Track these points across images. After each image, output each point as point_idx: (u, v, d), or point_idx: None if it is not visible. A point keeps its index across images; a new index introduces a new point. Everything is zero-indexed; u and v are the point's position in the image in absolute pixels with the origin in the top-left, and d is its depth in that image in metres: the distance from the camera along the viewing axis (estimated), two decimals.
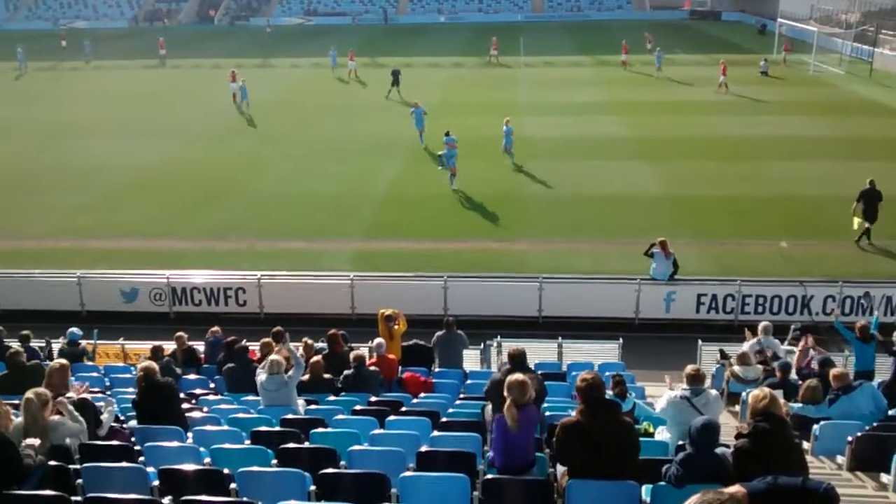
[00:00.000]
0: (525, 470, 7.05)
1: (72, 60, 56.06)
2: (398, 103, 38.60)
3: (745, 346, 12.89)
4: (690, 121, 34.05)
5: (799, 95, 39.31)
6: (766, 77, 44.49)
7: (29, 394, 7.33)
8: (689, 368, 8.54)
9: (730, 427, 10.50)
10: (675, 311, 16.96)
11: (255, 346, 12.18)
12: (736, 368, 12.37)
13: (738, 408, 11.69)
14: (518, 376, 7.08)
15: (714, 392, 8.64)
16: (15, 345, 12.39)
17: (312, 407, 10.11)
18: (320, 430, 8.64)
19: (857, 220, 19.89)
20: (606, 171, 27.14)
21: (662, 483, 6.52)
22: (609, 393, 8.95)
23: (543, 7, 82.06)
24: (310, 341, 12.29)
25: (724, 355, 13.39)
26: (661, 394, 12.91)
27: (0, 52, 57.55)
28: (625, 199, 24.12)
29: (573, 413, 6.77)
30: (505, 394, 6.98)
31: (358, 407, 9.97)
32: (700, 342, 14.38)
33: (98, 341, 14.46)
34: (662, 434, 8.83)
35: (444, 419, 9.42)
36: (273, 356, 9.96)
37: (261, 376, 9.88)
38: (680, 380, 8.73)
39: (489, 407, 9.46)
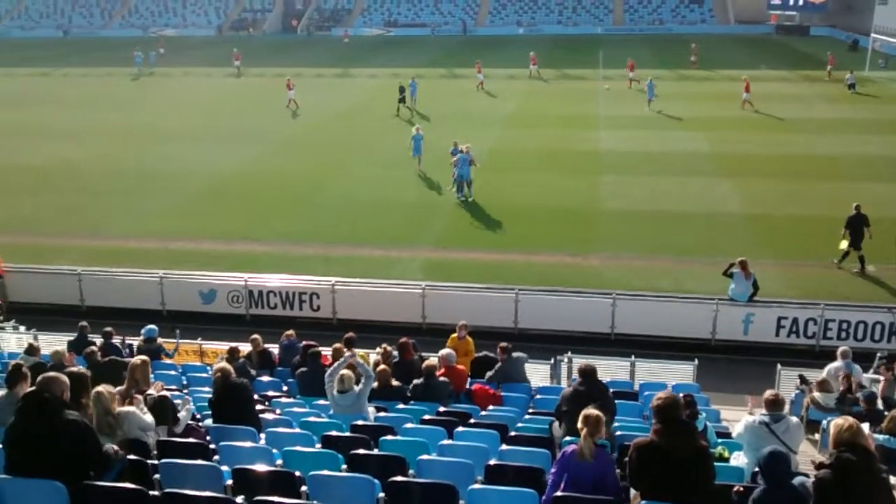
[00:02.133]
0: None
1: (163, 67, 58.06)
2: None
3: (826, 371, 12.43)
4: (775, 138, 33.11)
5: (892, 114, 37.81)
6: (854, 93, 43.04)
7: (99, 388, 7.58)
8: (769, 393, 8.25)
9: (808, 456, 10.14)
10: (754, 334, 16.47)
11: (327, 352, 12.34)
12: (816, 395, 11.94)
13: (817, 436, 11.28)
14: (596, 411, 6.93)
15: (794, 419, 8.33)
16: (98, 341, 12.86)
17: (382, 414, 10.16)
18: (389, 437, 8.68)
19: (844, 243, 19.61)
20: (686, 187, 26.61)
21: None
22: None
23: (624, 20, 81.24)
24: (389, 348, 12.38)
25: (804, 381, 12.92)
26: (736, 417, 12.60)
27: (98, 57, 60.14)
28: (704, 217, 23.59)
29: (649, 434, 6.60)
30: (580, 425, 6.87)
31: (427, 416, 9.98)
32: (779, 366, 13.90)
33: (180, 340, 14.88)
34: (738, 459, 8.57)
35: (512, 433, 9.35)
36: (344, 371, 10.00)
37: (332, 390, 9.94)
38: (760, 403, 8.43)
39: (557, 424, 9.37)
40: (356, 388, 9.85)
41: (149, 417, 7.94)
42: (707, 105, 40.37)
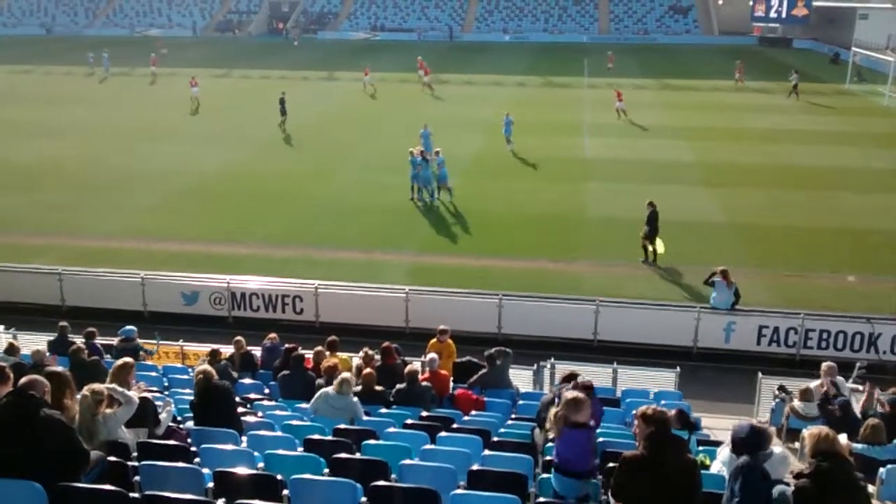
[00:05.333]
0: (580, 475, 7.16)
1: (146, 67, 57.59)
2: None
3: (814, 384, 12.47)
4: (758, 148, 33.37)
5: (874, 126, 38.21)
6: (794, 94, 44.34)
7: (85, 390, 7.51)
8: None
9: (789, 464, 10.19)
10: (735, 342, 16.58)
11: (310, 355, 12.30)
12: (797, 404, 12.02)
13: (797, 444, 11.35)
14: (576, 393, 7.06)
15: (779, 451, 8.27)
16: (79, 341, 12.73)
17: (364, 418, 10.13)
18: (372, 441, 8.67)
19: (660, 243, 20.59)
20: (669, 195, 26.62)
21: None
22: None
23: (610, 29, 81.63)
24: (370, 351, 12.36)
25: (783, 390, 13.01)
26: (717, 425, 12.69)
27: (81, 56, 59.50)
28: (687, 226, 23.71)
29: (637, 447, 6.59)
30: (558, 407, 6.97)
31: (409, 421, 9.97)
32: (760, 375, 13.99)
33: (160, 341, 14.76)
34: (719, 467, 8.60)
35: (495, 438, 9.35)
36: (346, 374, 10.01)
37: (328, 389, 9.90)
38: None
39: (538, 430, 9.38)
40: (353, 398, 9.83)
41: (121, 410, 7.78)
42: (690, 114, 40.66)
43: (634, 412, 7.00)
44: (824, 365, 12.65)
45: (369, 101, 44.64)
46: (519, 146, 33.41)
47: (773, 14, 73.74)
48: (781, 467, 8.12)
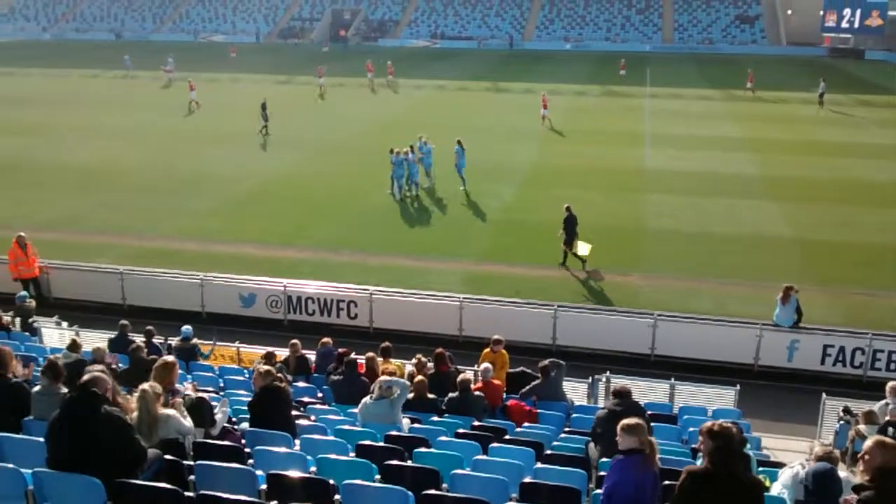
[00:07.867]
0: None
1: (210, 73, 58.99)
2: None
3: (877, 407, 12.02)
4: (826, 162, 32.47)
5: None
6: (820, 104, 44.18)
7: (144, 385, 7.62)
8: (820, 450, 7.92)
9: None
10: (799, 361, 16.05)
11: (363, 360, 12.32)
12: (862, 427, 11.58)
13: (862, 467, 10.91)
14: (631, 419, 6.80)
15: (843, 476, 7.98)
16: (139, 340, 12.99)
17: (416, 426, 10.09)
18: (423, 449, 8.60)
19: (584, 246, 20.79)
20: (732, 208, 26.17)
21: None
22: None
23: (674, 38, 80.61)
24: (423, 358, 12.33)
25: (848, 412, 12.55)
26: (777, 446, 12.31)
27: (147, 61, 61.24)
28: (750, 239, 23.16)
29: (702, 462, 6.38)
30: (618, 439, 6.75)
31: (461, 430, 9.88)
32: (824, 396, 13.53)
33: (217, 343, 14.99)
34: (778, 489, 8.32)
35: (548, 451, 9.22)
36: (384, 377, 9.97)
37: (366, 398, 9.88)
38: (829, 452, 8.00)
39: (593, 445, 9.21)
40: (391, 398, 9.78)
41: (188, 422, 7.96)
42: (756, 126, 39.80)
43: (700, 428, 6.80)
44: (890, 384, 12.20)
45: (425, 107, 44.78)
46: (577, 156, 33.10)
47: (844, 24, 71.92)
48: (846, 490, 7.84)
